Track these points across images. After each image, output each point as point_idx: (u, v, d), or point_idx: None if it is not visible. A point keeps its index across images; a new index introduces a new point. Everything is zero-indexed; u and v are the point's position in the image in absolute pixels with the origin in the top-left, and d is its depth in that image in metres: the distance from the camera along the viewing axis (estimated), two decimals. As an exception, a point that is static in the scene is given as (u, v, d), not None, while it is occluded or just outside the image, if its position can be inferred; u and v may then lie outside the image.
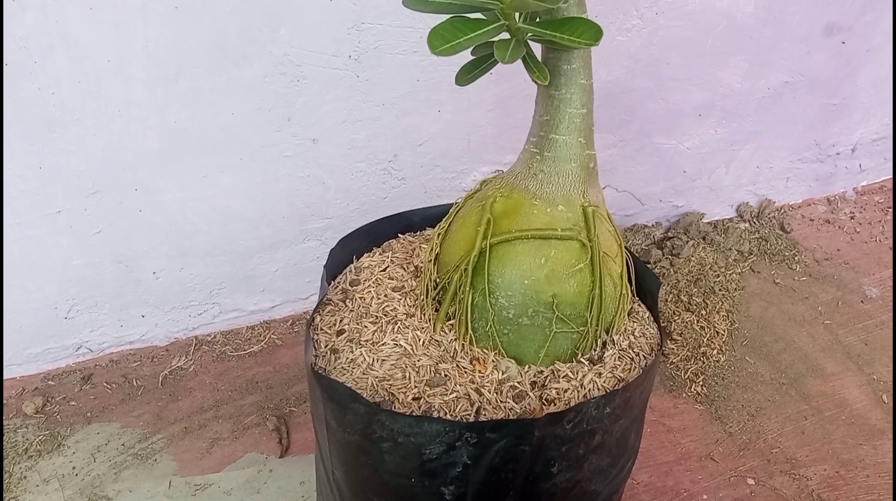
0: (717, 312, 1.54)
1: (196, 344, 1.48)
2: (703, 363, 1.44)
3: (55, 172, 1.18)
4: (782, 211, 1.87)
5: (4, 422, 1.31)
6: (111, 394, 1.37)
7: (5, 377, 1.38)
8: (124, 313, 1.40)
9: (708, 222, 1.81)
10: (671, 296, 1.56)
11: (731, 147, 1.71)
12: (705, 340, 1.48)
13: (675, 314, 1.52)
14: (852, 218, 1.88)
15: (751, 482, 1.25)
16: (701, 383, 1.41)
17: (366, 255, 0.97)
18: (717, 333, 1.50)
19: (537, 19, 0.75)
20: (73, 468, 1.25)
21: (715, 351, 1.47)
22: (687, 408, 1.37)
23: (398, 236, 1.01)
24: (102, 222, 1.26)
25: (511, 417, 0.76)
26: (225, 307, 1.47)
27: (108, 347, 1.43)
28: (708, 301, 1.56)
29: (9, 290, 1.28)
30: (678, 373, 1.43)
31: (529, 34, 0.75)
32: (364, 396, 0.76)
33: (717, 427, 1.34)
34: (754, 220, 1.83)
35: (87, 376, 1.40)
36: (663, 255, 1.68)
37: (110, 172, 1.21)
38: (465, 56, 0.78)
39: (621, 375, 0.81)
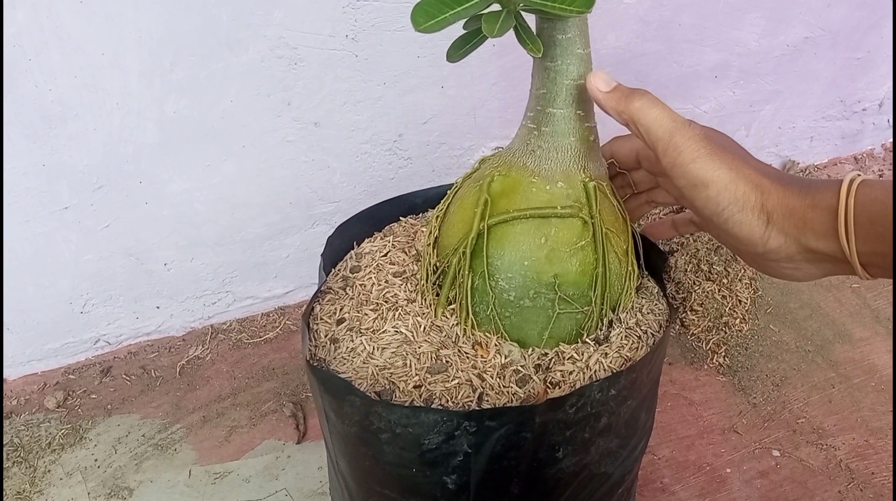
0: (740, 280, 1.50)
1: (212, 333, 1.48)
2: (726, 333, 1.41)
3: (59, 169, 1.18)
4: (807, 172, 1.80)
5: (28, 418, 1.33)
6: (130, 386, 1.39)
7: (27, 372, 1.40)
8: (139, 305, 1.40)
9: (729, 188, 1.75)
10: (691, 266, 1.52)
11: (750, 108, 1.65)
12: (727, 309, 1.44)
13: (695, 283, 1.48)
14: (881, 176, 1.81)
15: (776, 453, 1.22)
16: (723, 353, 1.37)
17: (367, 240, 0.95)
18: (740, 301, 1.46)
19: (529, -12, 0.71)
20: (95, 460, 1.26)
21: (737, 320, 1.43)
22: (709, 380, 1.34)
23: (399, 220, 0.98)
24: (110, 216, 1.26)
25: (514, 402, 0.74)
26: (238, 295, 1.47)
27: (125, 339, 1.44)
28: (730, 269, 1.51)
29: (24, 287, 1.29)
30: (699, 344, 1.40)
31: (521, 4, 0.72)
32: (364, 386, 0.75)
33: (741, 399, 1.31)
34: (777, 183, 1.77)
35: (106, 368, 1.42)
36: (683, 223, 1.63)
37: (113, 165, 1.20)
38: (462, 30, 0.75)
39: (628, 354, 0.78)
